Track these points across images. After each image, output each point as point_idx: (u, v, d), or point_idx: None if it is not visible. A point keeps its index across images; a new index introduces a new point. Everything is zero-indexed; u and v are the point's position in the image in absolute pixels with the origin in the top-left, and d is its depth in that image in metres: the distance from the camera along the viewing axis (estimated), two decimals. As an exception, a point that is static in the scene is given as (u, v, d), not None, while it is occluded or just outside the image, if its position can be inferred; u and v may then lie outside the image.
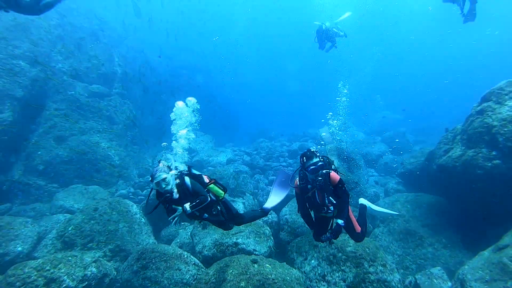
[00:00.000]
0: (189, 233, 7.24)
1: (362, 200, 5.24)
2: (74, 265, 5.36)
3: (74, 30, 15.43)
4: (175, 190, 3.71)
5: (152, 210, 3.88)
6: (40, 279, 4.89)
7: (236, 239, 6.18)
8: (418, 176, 9.57)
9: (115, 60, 16.64)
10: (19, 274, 4.92)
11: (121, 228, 7.08)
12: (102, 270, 5.69)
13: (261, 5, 47.68)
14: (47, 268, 5.10)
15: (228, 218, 4.27)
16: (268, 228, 7.00)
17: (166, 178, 3.63)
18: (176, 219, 3.68)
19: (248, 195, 10.03)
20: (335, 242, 5.86)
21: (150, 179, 3.67)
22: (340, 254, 5.60)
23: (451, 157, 7.09)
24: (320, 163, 3.75)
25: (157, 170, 3.65)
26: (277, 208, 9.01)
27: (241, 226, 6.50)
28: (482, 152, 6.36)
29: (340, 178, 3.88)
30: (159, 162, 3.80)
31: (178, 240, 7.29)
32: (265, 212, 4.95)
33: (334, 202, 3.83)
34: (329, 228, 3.94)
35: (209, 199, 3.93)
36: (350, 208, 4.12)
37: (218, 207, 4.14)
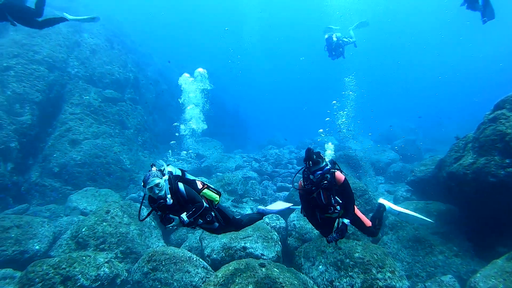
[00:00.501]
0: (198, 237, 7.34)
1: (382, 200, 5.26)
2: (88, 265, 5.53)
3: (90, 37, 15.95)
4: (169, 196, 3.54)
5: (146, 217, 3.73)
6: (57, 276, 5.08)
7: (245, 243, 6.26)
8: (428, 184, 9.49)
9: (128, 66, 17.08)
10: (38, 271, 5.12)
11: (132, 230, 7.25)
12: (114, 270, 5.84)
13: (273, 10, 48.13)
14: (63, 266, 5.29)
15: (224, 224, 4.18)
16: (276, 233, 7.06)
17: (159, 183, 3.47)
18: (174, 228, 3.59)
19: (257, 201, 10.10)
20: (343, 248, 5.91)
21: (142, 184, 3.51)
22: (348, 260, 5.62)
23: (462, 164, 7.04)
24: (326, 168, 3.71)
25: (149, 175, 3.48)
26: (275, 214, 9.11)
27: (249, 230, 6.61)
28: (494, 160, 6.29)
29: (345, 178, 3.86)
30: (151, 166, 3.66)
31: (187, 244, 7.40)
32: (262, 215, 4.95)
33: (340, 201, 3.79)
34: (335, 229, 3.91)
35: (204, 205, 3.83)
36: (356, 207, 4.12)
37: (212, 213, 4.01)
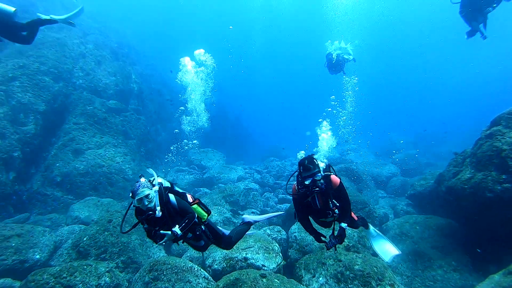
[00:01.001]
0: (199, 247, 7.37)
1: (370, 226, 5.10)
2: (89, 274, 5.56)
3: (95, 48, 16.30)
4: (159, 208, 3.37)
5: (130, 229, 3.60)
6: (57, 285, 5.12)
7: (246, 254, 6.30)
8: (428, 198, 9.55)
9: (132, 77, 17.39)
10: (39, 280, 5.16)
11: (133, 240, 7.29)
12: (114, 280, 5.86)
13: (276, 20, 49.04)
14: (64, 275, 5.32)
15: (214, 240, 4.04)
16: (277, 244, 7.09)
17: (149, 194, 3.30)
18: (166, 242, 3.40)
19: (258, 212, 10.14)
20: (343, 260, 5.94)
21: (130, 194, 3.33)
22: (348, 272, 5.64)
23: (460, 179, 7.13)
24: (318, 174, 3.59)
25: (139, 186, 3.32)
26: (261, 222, 9.11)
27: (250, 241, 6.65)
28: (491, 175, 6.40)
29: (340, 181, 3.78)
30: (140, 177, 3.51)
31: (189, 254, 7.42)
32: (249, 224, 4.81)
33: (338, 204, 3.73)
34: (331, 233, 3.84)
35: (196, 215, 3.72)
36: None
37: (202, 227, 3.92)
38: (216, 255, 6.50)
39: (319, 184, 3.56)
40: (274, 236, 7.92)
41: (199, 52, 12.01)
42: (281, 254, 6.83)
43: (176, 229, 3.35)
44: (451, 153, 9.60)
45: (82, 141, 12.11)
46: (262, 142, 28.97)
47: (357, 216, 4.42)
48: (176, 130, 15.02)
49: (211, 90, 12.94)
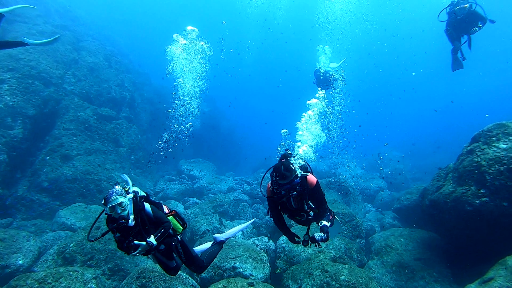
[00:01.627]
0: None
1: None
2: (75, 280, 5.51)
3: (88, 55, 16.30)
4: (132, 217, 3.23)
5: (98, 238, 3.49)
6: (42, 291, 5.04)
7: (234, 263, 6.34)
8: (413, 212, 9.80)
9: (124, 85, 17.37)
10: (22, 285, 5.09)
11: (121, 247, 7.23)
12: (101, 287, 5.81)
13: (271, 32, 49.96)
14: (49, 281, 5.27)
15: (185, 260, 3.80)
16: (265, 255, 7.15)
17: (122, 202, 3.15)
18: (139, 252, 3.19)
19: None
20: (329, 271, 6.04)
21: (102, 201, 3.19)
22: (333, 282, 5.75)
23: (443, 193, 7.41)
24: (296, 180, 3.43)
25: (112, 193, 3.18)
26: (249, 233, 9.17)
27: (239, 251, 6.70)
28: (471, 190, 6.68)
29: (317, 181, 3.67)
30: (115, 184, 3.37)
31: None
32: (220, 244, 4.60)
33: (313, 206, 3.62)
34: (306, 232, 3.69)
35: (171, 225, 3.56)
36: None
37: (179, 237, 3.75)
38: (204, 263, 6.52)
39: (297, 187, 3.42)
40: (263, 246, 7.99)
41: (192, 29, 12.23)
42: (268, 264, 6.89)
43: (152, 239, 3.19)
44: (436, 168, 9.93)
45: (71, 147, 12.01)
46: (253, 153, 29.09)
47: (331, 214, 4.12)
48: (165, 134, 15.03)
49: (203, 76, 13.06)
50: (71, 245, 6.96)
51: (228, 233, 4.81)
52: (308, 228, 3.81)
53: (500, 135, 7.02)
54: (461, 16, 7.76)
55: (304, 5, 40.65)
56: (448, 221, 7.08)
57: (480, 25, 7.80)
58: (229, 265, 6.33)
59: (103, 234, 3.45)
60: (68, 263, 6.69)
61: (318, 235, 3.41)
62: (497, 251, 5.72)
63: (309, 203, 3.58)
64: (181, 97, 14.19)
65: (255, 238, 8.61)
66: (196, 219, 9.65)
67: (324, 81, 10.68)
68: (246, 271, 6.27)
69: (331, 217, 3.84)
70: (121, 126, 14.89)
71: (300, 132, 7.00)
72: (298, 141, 6.53)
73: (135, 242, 3.14)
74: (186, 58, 12.54)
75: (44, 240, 7.98)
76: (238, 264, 6.36)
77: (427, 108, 49.19)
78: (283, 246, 7.70)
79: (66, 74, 14.22)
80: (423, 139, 32.86)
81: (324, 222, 3.50)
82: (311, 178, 3.64)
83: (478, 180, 6.64)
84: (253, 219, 5.61)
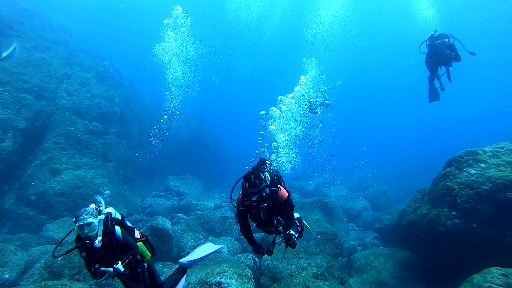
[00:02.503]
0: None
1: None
2: (63, 293, 5.61)
3: (80, 70, 16.51)
4: (99, 238, 3.21)
5: (63, 254, 3.53)
6: (31, 303, 5.14)
7: (220, 278, 6.55)
8: (393, 232, 10.24)
9: (115, 101, 17.57)
10: (11, 297, 5.17)
11: (108, 262, 7.33)
12: (88, 301, 5.91)
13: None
14: (38, 294, 5.36)
15: (150, 287, 3.77)
16: (250, 271, 7.38)
17: (92, 223, 3.18)
18: (106, 278, 3.21)
19: (233, 240, 10.39)
20: (311, 287, 6.32)
21: (73, 219, 3.23)
22: (315, 298, 6.03)
23: (419, 214, 7.90)
24: (266, 189, 3.46)
25: (83, 212, 3.20)
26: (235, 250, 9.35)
27: (224, 267, 6.92)
28: (444, 212, 7.19)
29: (288, 195, 3.73)
30: (91, 202, 3.43)
31: (163, 278, 7.52)
32: (184, 270, 4.67)
33: (283, 222, 3.68)
34: (271, 242, 3.70)
35: (139, 251, 3.58)
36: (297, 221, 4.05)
37: (145, 264, 3.76)
38: (191, 278, 6.70)
39: (266, 200, 3.47)
40: (248, 263, 8.23)
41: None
42: (253, 280, 7.11)
43: (119, 266, 3.18)
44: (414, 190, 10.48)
45: (60, 161, 12.08)
46: (241, 170, 29.29)
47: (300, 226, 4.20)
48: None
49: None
50: (59, 259, 7.03)
51: (195, 257, 4.84)
52: (274, 238, 3.85)
53: (471, 161, 7.59)
54: (441, 49, 8.33)
55: (292, 22, 42.07)
56: (423, 241, 7.52)
57: (456, 62, 8.49)
58: (215, 280, 6.53)
59: (68, 252, 3.51)
60: (55, 277, 6.75)
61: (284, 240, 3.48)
62: (467, 269, 6.15)
63: (278, 219, 3.66)
64: (171, 111, 14.58)
65: (240, 254, 8.87)
66: (183, 235, 9.81)
67: (311, 108, 11.17)
68: (231, 286, 6.47)
69: (299, 229, 3.97)
70: (110, 141, 15.05)
71: (275, 143, 7.18)
72: (273, 152, 6.92)
73: (102, 268, 3.15)
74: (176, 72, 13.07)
75: (31, 254, 7.99)
76: (223, 279, 6.57)
77: (412, 128, 50.96)
78: (267, 263, 7.95)
79: (58, 89, 14.40)
80: (408, 161, 33.74)
81: (292, 232, 3.52)
82: (283, 192, 3.72)
83: (450, 202, 7.17)
84: (220, 246, 5.85)
